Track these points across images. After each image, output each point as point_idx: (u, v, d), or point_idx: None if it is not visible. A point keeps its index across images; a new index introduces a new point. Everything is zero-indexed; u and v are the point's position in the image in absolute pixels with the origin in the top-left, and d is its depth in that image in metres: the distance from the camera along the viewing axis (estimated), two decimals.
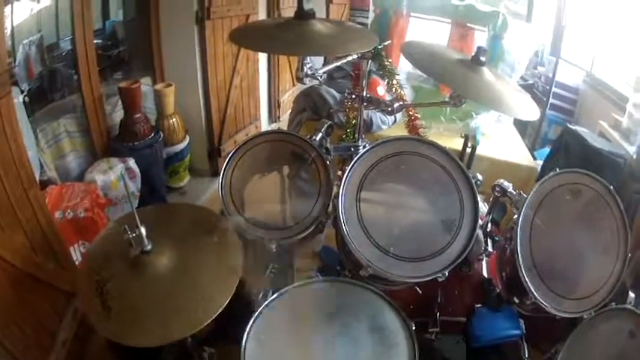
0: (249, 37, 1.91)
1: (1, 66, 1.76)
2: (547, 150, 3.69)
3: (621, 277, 1.69)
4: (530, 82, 4.92)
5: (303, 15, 1.76)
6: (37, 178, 2.55)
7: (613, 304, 1.66)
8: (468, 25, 3.53)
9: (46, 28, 3.01)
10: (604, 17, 4.30)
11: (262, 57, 4.94)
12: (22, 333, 1.90)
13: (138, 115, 3.40)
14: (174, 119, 3.81)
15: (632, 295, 1.76)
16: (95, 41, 3.25)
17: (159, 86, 3.75)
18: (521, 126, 4.15)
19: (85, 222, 2.65)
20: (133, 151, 3.37)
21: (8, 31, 2.63)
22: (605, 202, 1.75)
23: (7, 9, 2.57)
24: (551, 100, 4.52)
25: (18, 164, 1.88)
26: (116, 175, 3.14)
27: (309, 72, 1.84)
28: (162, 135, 3.65)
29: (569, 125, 3.25)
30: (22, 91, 2.81)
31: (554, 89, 4.50)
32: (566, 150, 3.05)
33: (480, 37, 3.49)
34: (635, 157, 2.89)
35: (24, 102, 2.77)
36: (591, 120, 3.98)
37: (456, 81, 1.76)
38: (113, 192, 3.12)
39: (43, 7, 2.94)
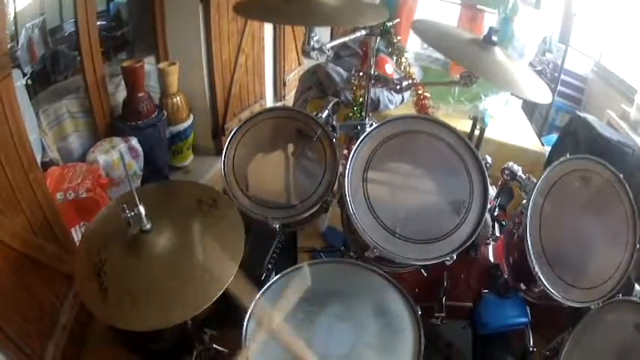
0: (254, 8, 1.86)
1: (1, 49, 1.74)
2: (554, 136, 3.67)
3: (629, 268, 1.66)
4: (539, 68, 4.87)
5: None
6: (39, 160, 2.55)
7: (619, 295, 1.64)
8: (478, 6, 3.47)
9: (49, 11, 2.99)
10: (614, 7, 4.24)
11: (268, 35, 4.88)
12: (23, 318, 1.91)
13: (141, 94, 3.37)
14: (178, 98, 3.77)
15: (638, 287, 1.75)
16: (99, 22, 3.22)
17: (162, 65, 3.71)
18: (529, 111, 4.12)
19: (86, 202, 2.64)
20: (136, 131, 3.34)
21: (11, 15, 2.62)
22: (615, 191, 1.73)
23: None
24: (559, 88, 4.48)
25: (19, 147, 1.87)
26: (118, 155, 3.11)
27: (316, 45, 1.79)
28: (165, 114, 3.61)
29: (578, 113, 3.22)
30: (25, 74, 2.79)
31: (562, 77, 4.46)
32: (575, 137, 3.02)
33: (490, 20, 3.43)
34: None
35: (26, 85, 2.77)
36: (599, 109, 3.94)
37: (468, 59, 1.72)
38: (116, 172, 3.11)
39: None
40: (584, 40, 4.59)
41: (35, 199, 1.99)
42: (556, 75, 4.47)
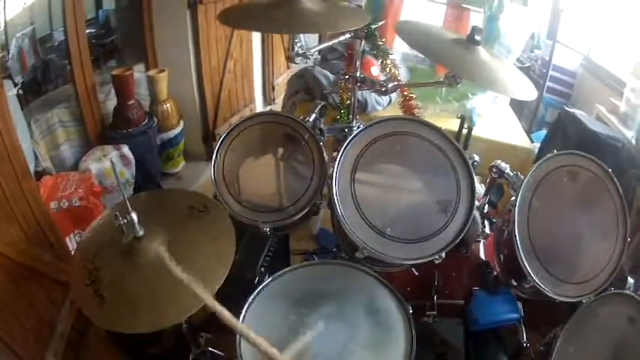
0: (237, 16, 1.89)
1: None
2: (544, 132, 3.68)
3: (621, 262, 1.67)
4: (527, 64, 4.89)
5: None
6: (32, 169, 2.56)
7: (612, 289, 1.65)
8: (464, 5, 3.49)
9: (39, 20, 3.00)
10: (601, 1, 4.27)
11: (256, 40, 4.91)
12: (21, 326, 1.91)
13: (131, 102, 3.39)
14: (168, 105, 3.79)
15: (630, 280, 1.75)
16: (89, 30, 3.25)
17: (152, 72, 3.74)
18: (518, 108, 4.13)
19: (80, 211, 2.65)
20: (127, 138, 3.37)
21: (1, 26, 2.63)
22: (604, 185, 1.73)
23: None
24: (548, 83, 4.50)
25: (12, 157, 1.87)
26: (110, 163, 3.12)
27: (300, 51, 1.82)
28: (156, 121, 3.64)
29: (566, 108, 3.23)
30: (16, 84, 2.80)
31: (551, 72, 4.48)
32: (564, 133, 3.04)
33: (476, 18, 3.45)
34: (633, 142, 2.87)
35: (18, 95, 2.77)
36: (589, 104, 3.96)
37: (450, 60, 1.74)
38: (108, 180, 3.12)
39: (35, 0, 2.92)
40: (572, 35, 4.61)
41: (29, 209, 1.98)
42: (545, 71, 4.49)
